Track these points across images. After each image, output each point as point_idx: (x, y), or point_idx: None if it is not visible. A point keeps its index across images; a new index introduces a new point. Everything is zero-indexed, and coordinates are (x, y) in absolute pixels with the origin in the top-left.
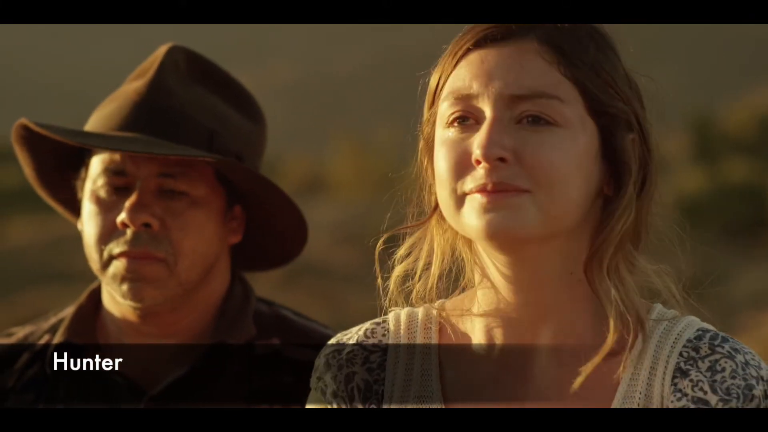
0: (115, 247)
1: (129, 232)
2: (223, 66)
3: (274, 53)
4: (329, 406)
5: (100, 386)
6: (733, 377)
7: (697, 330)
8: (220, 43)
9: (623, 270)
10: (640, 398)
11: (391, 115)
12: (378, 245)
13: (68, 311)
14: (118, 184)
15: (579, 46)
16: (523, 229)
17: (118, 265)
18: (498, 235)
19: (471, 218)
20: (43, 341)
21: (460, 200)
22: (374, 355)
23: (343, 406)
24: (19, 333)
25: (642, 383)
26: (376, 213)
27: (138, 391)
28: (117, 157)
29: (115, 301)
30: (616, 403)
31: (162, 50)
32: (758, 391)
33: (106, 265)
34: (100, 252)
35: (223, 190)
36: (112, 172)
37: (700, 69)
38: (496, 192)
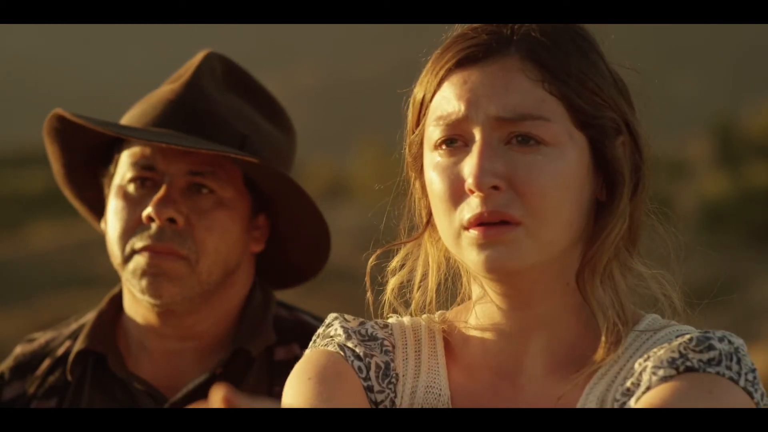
0: (138, 242)
1: (153, 226)
2: (247, 69)
3: (298, 57)
4: (335, 350)
5: (121, 392)
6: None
7: (678, 335)
8: (244, 46)
9: (618, 276)
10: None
11: None
12: (370, 261)
13: (89, 317)
14: (147, 179)
15: (562, 57)
16: (520, 262)
17: (139, 260)
18: (496, 271)
19: (470, 254)
20: (64, 347)
21: (458, 233)
22: (386, 341)
23: (357, 350)
24: (41, 339)
25: (601, 389)
26: (399, 218)
27: (159, 398)
28: (147, 152)
29: (136, 302)
30: (579, 405)
31: (199, 56)
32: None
33: (127, 259)
34: (123, 246)
35: (249, 196)
36: (141, 166)
37: (723, 73)
38: (492, 226)
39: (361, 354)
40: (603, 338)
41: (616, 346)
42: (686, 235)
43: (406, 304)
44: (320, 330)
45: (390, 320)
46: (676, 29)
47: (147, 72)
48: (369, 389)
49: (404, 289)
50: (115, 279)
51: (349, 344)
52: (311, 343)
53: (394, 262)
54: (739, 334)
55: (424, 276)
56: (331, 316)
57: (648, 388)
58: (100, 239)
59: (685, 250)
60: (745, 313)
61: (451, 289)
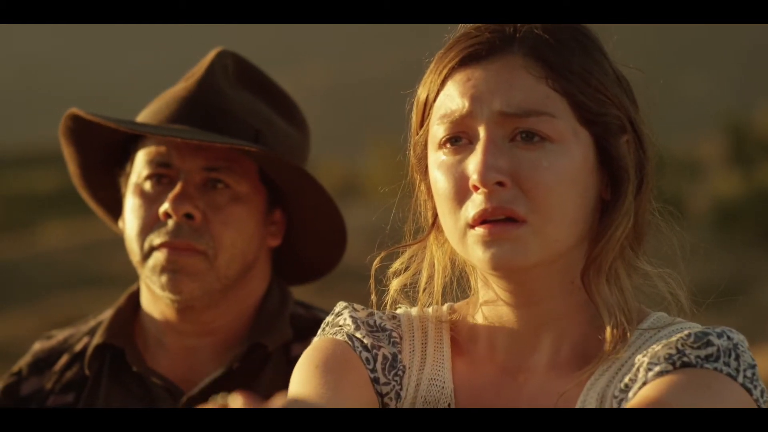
0: (156, 238)
1: (171, 223)
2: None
3: (309, 56)
4: (343, 339)
5: (138, 387)
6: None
7: (684, 332)
8: (250, 46)
9: (623, 275)
10: (591, 402)
11: None
12: (375, 263)
13: (107, 314)
14: (163, 176)
15: (566, 55)
16: (525, 259)
17: (158, 256)
18: (502, 268)
19: (475, 251)
20: (82, 343)
21: (463, 231)
22: (395, 332)
23: (365, 340)
24: (59, 336)
25: (601, 386)
26: (407, 219)
27: (176, 392)
28: (163, 149)
29: (154, 298)
30: (578, 404)
31: (211, 54)
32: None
33: (146, 256)
34: (141, 243)
35: (265, 190)
36: (156, 164)
37: (735, 73)
38: (497, 223)
39: (369, 345)
40: (608, 336)
41: (620, 345)
42: (698, 235)
43: (412, 299)
44: (329, 318)
45: (398, 311)
46: (687, 29)
47: (148, 72)
48: (375, 381)
49: (407, 290)
50: (125, 279)
51: (358, 335)
52: (320, 330)
53: (397, 264)
54: (751, 334)
55: (430, 278)
56: (341, 304)
57: (644, 384)
58: (110, 240)
59: (696, 249)
60: (758, 313)
61: (456, 291)
